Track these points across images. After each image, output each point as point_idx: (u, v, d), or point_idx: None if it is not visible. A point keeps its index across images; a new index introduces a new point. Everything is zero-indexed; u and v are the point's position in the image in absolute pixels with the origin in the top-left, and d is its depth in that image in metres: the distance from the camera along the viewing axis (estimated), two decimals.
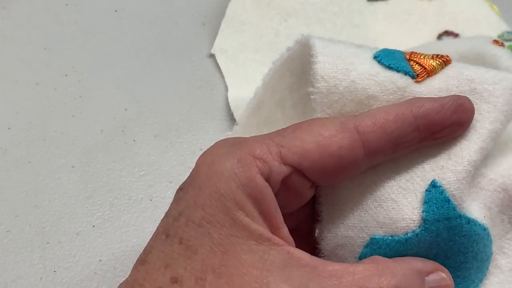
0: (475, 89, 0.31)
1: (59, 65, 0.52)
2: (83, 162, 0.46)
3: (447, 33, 0.50)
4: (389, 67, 0.32)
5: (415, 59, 0.32)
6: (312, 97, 0.32)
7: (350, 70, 0.31)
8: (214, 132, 0.48)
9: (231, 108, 0.48)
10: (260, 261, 0.27)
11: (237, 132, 0.41)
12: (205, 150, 0.46)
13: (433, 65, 0.32)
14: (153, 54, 0.53)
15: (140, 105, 0.49)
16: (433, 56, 0.32)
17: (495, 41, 0.36)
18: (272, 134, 0.30)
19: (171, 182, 0.45)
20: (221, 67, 0.52)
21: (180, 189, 0.30)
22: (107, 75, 0.51)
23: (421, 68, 0.32)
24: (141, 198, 0.44)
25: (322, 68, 0.31)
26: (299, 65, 0.35)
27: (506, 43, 0.48)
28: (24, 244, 0.42)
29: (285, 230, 0.29)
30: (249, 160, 0.28)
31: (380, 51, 0.33)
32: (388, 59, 0.32)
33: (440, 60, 0.32)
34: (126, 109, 0.49)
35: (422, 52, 0.33)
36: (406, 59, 0.32)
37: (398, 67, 0.32)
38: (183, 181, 0.44)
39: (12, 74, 0.51)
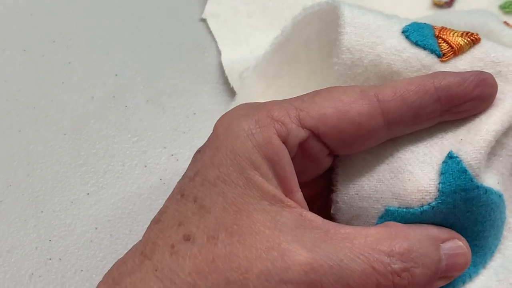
0: (500, 71, 0.31)
1: (46, 31, 0.51)
2: (75, 130, 0.45)
3: None
4: (416, 44, 0.31)
5: (443, 36, 0.32)
6: (335, 68, 0.32)
7: (376, 44, 0.31)
8: (208, 96, 0.47)
9: (226, 71, 0.47)
10: (272, 221, 0.27)
11: (259, 67, 0.41)
12: (198, 114, 0.46)
13: (460, 44, 0.31)
14: (142, 18, 0.52)
15: (130, 71, 0.48)
16: (462, 33, 0.32)
17: (506, 23, 0.36)
18: (292, 99, 0.30)
19: (165, 148, 0.44)
20: (213, 32, 0.51)
21: (198, 151, 0.30)
22: (95, 41, 0.50)
23: (448, 47, 0.31)
24: (135, 164, 0.44)
25: (349, 40, 0.31)
26: (328, 15, 0.35)
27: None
28: (18, 214, 0.41)
29: (299, 194, 0.29)
30: (267, 122, 0.28)
31: (409, 25, 0.32)
32: (417, 34, 0.32)
33: (469, 39, 0.32)
34: (116, 75, 0.48)
35: (451, 29, 0.32)
36: (435, 35, 0.32)
37: (425, 45, 0.31)
38: (177, 146, 0.45)
39: None
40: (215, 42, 0.50)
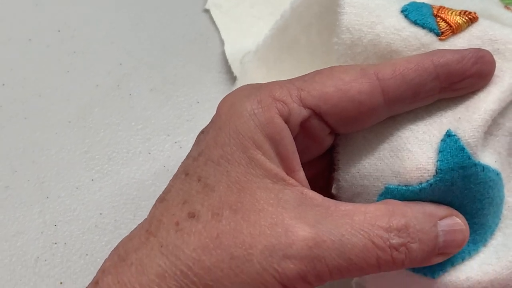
0: (498, 49, 0.31)
1: (51, 21, 0.51)
2: (80, 117, 0.46)
3: None
4: (415, 23, 0.32)
5: (442, 15, 0.32)
6: (335, 47, 0.32)
7: (376, 23, 0.31)
8: (210, 85, 0.48)
9: (229, 61, 0.48)
10: (275, 199, 0.27)
11: (260, 52, 0.41)
12: (202, 102, 0.47)
13: (458, 23, 0.32)
14: (146, 8, 0.52)
15: (134, 60, 0.49)
16: (460, 12, 0.32)
17: (506, 7, 0.36)
18: (293, 79, 0.30)
19: (168, 135, 0.45)
20: (216, 22, 0.51)
21: (202, 132, 0.31)
22: (100, 30, 0.51)
23: (446, 26, 0.32)
24: (139, 151, 0.44)
25: (348, 20, 0.31)
26: None
27: None
28: (24, 199, 0.42)
29: (301, 173, 0.29)
30: (269, 101, 0.29)
31: (408, 4, 0.33)
32: (415, 14, 0.32)
33: (467, 18, 0.32)
34: (120, 64, 0.49)
35: (449, 8, 0.33)
36: (433, 14, 0.32)
37: (424, 23, 0.31)
38: (181, 133, 0.45)
39: (4, 31, 0.50)
40: (218, 32, 0.51)
